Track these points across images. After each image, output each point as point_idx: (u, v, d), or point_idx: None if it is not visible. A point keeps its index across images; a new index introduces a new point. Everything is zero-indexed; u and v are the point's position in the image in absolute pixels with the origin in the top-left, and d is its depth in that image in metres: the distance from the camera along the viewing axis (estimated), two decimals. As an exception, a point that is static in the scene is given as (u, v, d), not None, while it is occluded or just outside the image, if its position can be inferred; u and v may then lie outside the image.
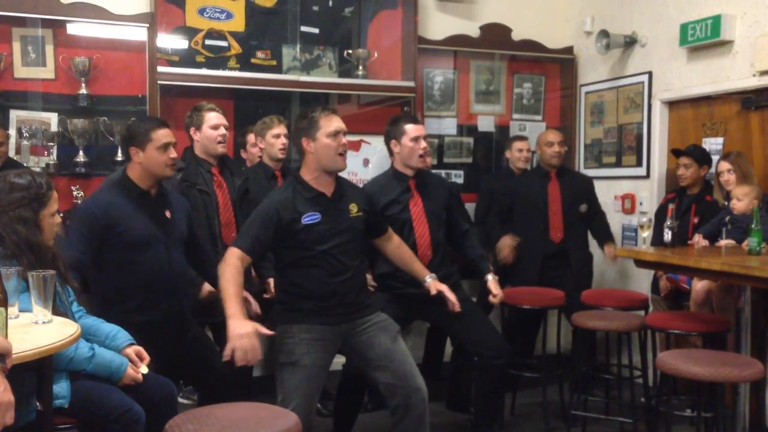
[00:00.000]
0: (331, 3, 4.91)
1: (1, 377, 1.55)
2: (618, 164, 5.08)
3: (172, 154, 2.92)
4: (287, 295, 2.82)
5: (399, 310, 3.18)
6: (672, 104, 4.69)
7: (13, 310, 2.04)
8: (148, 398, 2.50)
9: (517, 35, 5.25)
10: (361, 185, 3.41)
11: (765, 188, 3.87)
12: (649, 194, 4.79)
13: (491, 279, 3.47)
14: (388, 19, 5.08)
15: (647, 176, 4.82)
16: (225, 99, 4.62)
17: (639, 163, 4.88)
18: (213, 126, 3.44)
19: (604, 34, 4.84)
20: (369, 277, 3.24)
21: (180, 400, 3.25)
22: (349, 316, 2.82)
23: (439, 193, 3.48)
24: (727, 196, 3.77)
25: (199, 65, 4.48)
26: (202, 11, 4.55)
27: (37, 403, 2.15)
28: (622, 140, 5.04)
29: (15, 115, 4.21)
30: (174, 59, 4.47)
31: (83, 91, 4.25)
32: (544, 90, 5.51)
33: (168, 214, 2.97)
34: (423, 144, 3.37)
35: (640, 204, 4.86)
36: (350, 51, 4.88)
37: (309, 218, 2.75)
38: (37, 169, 3.92)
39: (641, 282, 4.63)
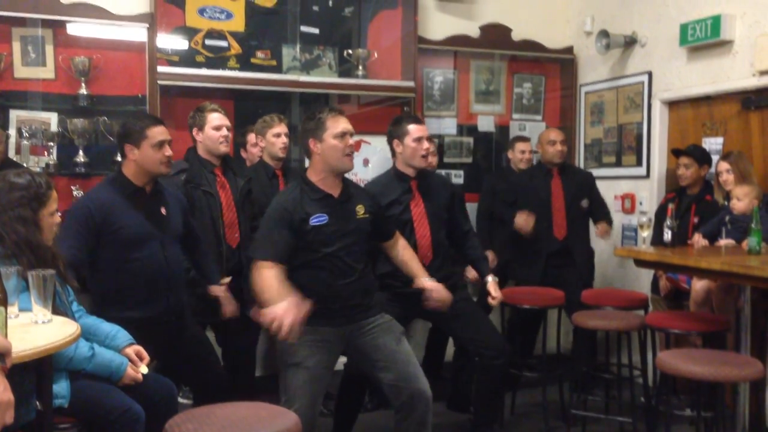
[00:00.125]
0: (331, 3, 4.91)
1: (0, 376, 1.55)
2: (618, 164, 5.08)
3: (167, 151, 2.92)
4: None
5: (399, 309, 3.18)
6: (672, 104, 4.69)
7: (12, 309, 2.04)
8: (148, 398, 2.50)
9: (517, 35, 5.25)
10: (362, 185, 3.41)
11: (765, 188, 3.87)
12: (649, 194, 4.79)
13: (491, 281, 3.48)
14: (388, 19, 5.08)
15: (647, 176, 4.82)
16: (225, 99, 4.62)
17: (639, 163, 4.88)
18: (215, 127, 3.45)
19: (604, 34, 4.84)
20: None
21: (180, 400, 3.25)
22: (353, 317, 2.81)
23: (440, 193, 3.48)
24: (727, 196, 3.78)
25: (199, 65, 4.48)
26: (202, 11, 4.55)
27: (37, 403, 2.15)
28: (622, 140, 5.04)
29: (15, 114, 4.21)
30: (174, 59, 4.47)
31: (83, 91, 4.25)
32: (544, 90, 5.51)
33: (163, 210, 2.98)
34: (425, 144, 3.37)
35: (640, 204, 4.86)
36: (350, 51, 4.88)
37: (317, 219, 2.74)
38: (37, 169, 3.92)
39: (641, 282, 4.63)
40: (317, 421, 2.79)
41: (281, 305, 2.51)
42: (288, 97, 4.91)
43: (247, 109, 4.78)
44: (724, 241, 3.56)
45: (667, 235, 3.61)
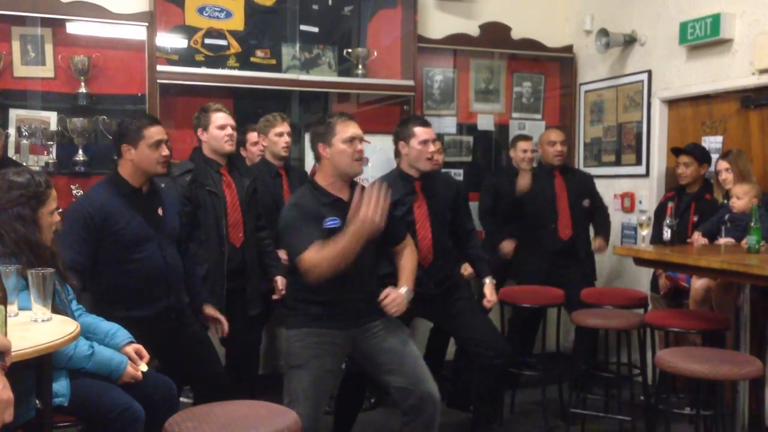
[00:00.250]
0: (330, 2, 4.90)
1: (0, 375, 1.55)
2: (617, 163, 5.08)
3: (164, 151, 2.92)
4: (298, 299, 2.79)
5: None
6: (671, 103, 4.70)
7: (12, 308, 2.05)
8: (148, 396, 2.50)
9: (516, 34, 5.25)
10: (365, 185, 3.41)
11: (764, 186, 3.88)
12: (649, 193, 4.79)
13: (488, 283, 3.50)
14: (387, 18, 5.08)
15: (647, 175, 4.82)
16: (224, 98, 4.62)
17: (638, 162, 4.89)
18: (220, 126, 3.45)
19: (603, 32, 4.84)
20: None
21: (181, 399, 3.25)
22: (360, 320, 2.80)
23: (445, 193, 3.48)
24: (727, 195, 3.78)
25: (198, 64, 4.48)
26: (201, 10, 4.55)
27: (37, 401, 2.15)
28: (622, 139, 5.04)
29: (14, 114, 4.21)
30: (173, 58, 4.47)
31: (82, 90, 4.25)
32: (543, 89, 5.51)
33: (160, 211, 2.98)
34: (431, 147, 3.36)
35: (640, 202, 4.86)
36: (350, 50, 4.88)
37: (331, 222, 2.72)
38: (37, 168, 3.92)
39: (640, 280, 4.64)
40: (320, 424, 2.76)
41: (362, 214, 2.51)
42: (287, 96, 4.91)
43: (247, 108, 4.77)
44: (723, 240, 3.56)
45: (667, 234, 3.61)
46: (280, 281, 3.61)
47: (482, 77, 5.36)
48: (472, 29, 5.16)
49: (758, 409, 3.41)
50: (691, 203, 4.08)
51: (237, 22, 4.64)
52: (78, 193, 4.16)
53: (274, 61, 4.72)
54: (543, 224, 4.42)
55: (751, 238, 3.15)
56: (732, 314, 3.40)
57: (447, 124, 5.23)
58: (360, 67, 4.82)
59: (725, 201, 3.79)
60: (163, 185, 3.12)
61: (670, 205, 3.87)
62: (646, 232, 3.78)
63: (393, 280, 3.23)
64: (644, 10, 4.81)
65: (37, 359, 1.94)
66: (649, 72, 4.76)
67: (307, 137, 4.65)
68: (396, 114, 4.91)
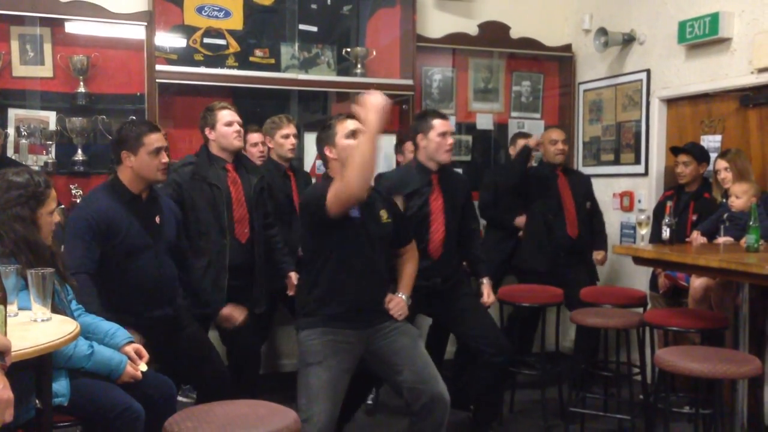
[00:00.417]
0: (329, 1, 4.91)
1: (0, 375, 1.56)
2: (616, 162, 5.08)
3: (164, 158, 2.91)
4: (313, 298, 2.77)
5: None
6: (670, 102, 4.70)
7: (12, 308, 2.04)
8: (148, 396, 2.50)
9: (515, 33, 5.25)
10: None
11: (763, 185, 3.88)
12: (648, 192, 4.79)
13: (485, 282, 3.52)
14: (386, 17, 5.08)
15: (646, 174, 4.83)
16: (224, 97, 4.60)
17: (637, 161, 4.89)
18: (227, 123, 3.46)
19: (602, 31, 4.84)
20: None
21: (179, 398, 3.25)
22: (372, 321, 2.80)
23: (459, 189, 3.52)
24: (725, 194, 3.78)
25: (197, 63, 4.48)
26: (200, 9, 4.55)
27: (37, 401, 2.15)
28: (621, 138, 5.04)
29: (13, 113, 4.21)
30: (172, 57, 4.47)
31: (82, 89, 4.25)
32: (542, 88, 5.52)
33: (158, 219, 2.97)
34: (450, 139, 3.39)
35: (639, 201, 4.87)
36: (349, 49, 4.88)
37: (353, 211, 2.71)
38: (36, 168, 3.92)
39: (640, 279, 4.64)
40: (334, 425, 2.71)
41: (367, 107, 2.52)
42: (287, 96, 4.91)
43: (246, 107, 4.74)
44: (722, 239, 3.56)
45: (666, 233, 3.62)
46: (294, 277, 3.62)
47: (481, 76, 5.36)
48: (471, 28, 5.16)
49: (757, 408, 3.42)
50: (690, 202, 4.09)
51: (236, 22, 4.64)
52: (77, 192, 4.16)
53: (273, 61, 4.73)
54: (549, 222, 4.42)
55: (750, 237, 3.15)
56: (731, 313, 3.41)
57: (446, 123, 5.23)
58: (359, 66, 4.83)
59: (724, 200, 3.79)
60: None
61: (669, 204, 3.87)
62: (645, 231, 3.78)
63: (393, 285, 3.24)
64: (643, 9, 4.82)
65: (37, 359, 1.94)
66: (648, 71, 4.76)
67: (306, 137, 4.67)
68: (395, 113, 4.92)
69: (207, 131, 3.48)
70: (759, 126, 4.11)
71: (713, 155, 4.12)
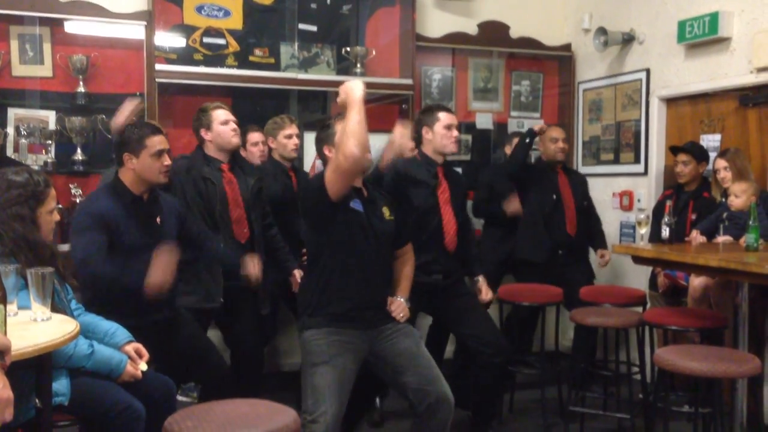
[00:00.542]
0: (329, 1, 4.91)
1: (0, 374, 1.56)
2: (616, 161, 5.09)
3: (166, 161, 2.91)
4: (317, 297, 2.75)
5: None
6: (670, 101, 4.70)
7: (12, 307, 2.04)
8: (148, 395, 2.50)
9: (515, 33, 5.25)
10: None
11: (762, 185, 3.88)
12: (647, 191, 4.80)
13: (482, 280, 3.53)
14: (386, 17, 5.08)
15: (645, 173, 4.83)
16: (223, 97, 4.61)
17: (637, 160, 4.89)
18: (223, 122, 3.45)
19: (602, 31, 4.85)
20: None
21: (179, 398, 3.25)
22: (376, 321, 2.79)
23: (460, 184, 3.59)
24: (725, 193, 3.78)
25: (197, 63, 4.48)
26: (199, 9, 4.55)
27: (37, 401, 2.15)
28: (620, 137, 5.05)
29: (13, 113, 4.21)
30: (172, 57, 4.47)
31: (81, 89, 4.25)
32: (542, 87, 5.52)
33: (158, 220, 2.96)
34: (455, 133, 3.43)
35: (638, 201, 4.87)
36: (348, 49, 4.88)
37: (356, 204, 2.72)
38: (36, 167, 3.91)
39: (639, 278, 4.64)
40: (339, 425, 2.69)
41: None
42: (286, 95, 4.91)
43: (245, 107, 4.77)
44: (721, 238, 3.57)
45: (665, 232, 3.62)
46: (298, 274, 3.63)
47: (481, 76, 5.36)
48: (471, 28, 5.16)
49: (756, 407, 3.42)
50: (690, 201, 4.09)
51: (235, 21, 4.64)
52: (77, 192, 4.17)
53: (272, 60, 4.73)
54: (549, 219, 4.42)
55: (749, 236, 3.16)
56: (730, 312, 3.41)
57: (446, 122, 5.23)
58: (358, 65, 4.83)
59: (723, 199, 3.79)
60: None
61: (669, 203, 3.88)
62: (644, 231, 3.78)
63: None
64: (643, 9, 4.82)
65: (37, 358, 1.94)
66: (648, 70, 4.77)
67: (306, 136, 4.67)
68: (395, 113, 4.92)
69: (202, 132, 3.47)
70: (758, 125, 4.12)
71: (713, 154, 4.12)
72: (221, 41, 4.58)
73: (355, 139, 2.50)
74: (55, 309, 2.21)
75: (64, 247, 3.72)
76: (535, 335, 4.69)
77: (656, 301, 4.21)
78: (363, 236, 2.73)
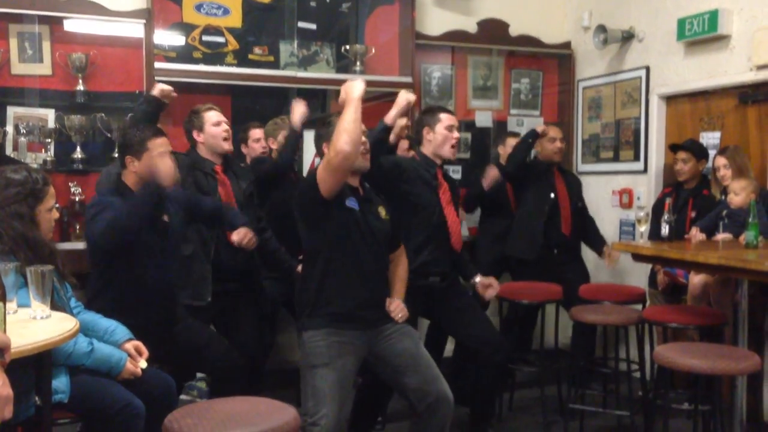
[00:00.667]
0: (328, -1, 4.91)
1: (0, 371, 1.56)
2: (616, 159, 5.09)
3: (169, 162, 2.91)
4: (315, 299, 2.74)
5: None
6: (669, 99, 4.70)
7: (11, 305, 2.05)
8: (148, 393, 2.50)
9: (514, 30, 5.25)
10: None
11: (762, 182, 3.88)
12: (647, 189, 4.80)
13: (479, 279, 3.49)
14: (385, 15, 5.07)
15: (645, 171, 4.83)
16: (222, 95, 4.62)
17: (636, 158, 4.89)
18: (215, 123, 3.45)
19: (601, 29, 4.84)
20: None
21: (180, 396, 3.25)
22: (376, 322, 2.79)
23: (456, 188, 3.59)
24: (724, 191, 3.79)
25: (196, 61, 4.47)
26: (198, 7, 4.55)
27: (36, 398, 2.16)
28: (620, 135, 5.05)
29: (12, 111, 4.20)
30: (171, 55, 4.46)
31: (80, 87, 4.24)
32: (541, 85, 5.51)
33: (166, 218, 2.96)
34: (456, 134, 3.43)
35: (638, 198, 4.87)
36: (348, 47, 4.87)
37: (351, 202, 2.72)
38: (35, 166, 3.91)
39: (639, 276, 4.64)
40: (343, 427, 2.67)
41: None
42: (285, 93, 4.90)
43: (245, 105, 4.78)
44: (721, 236, 3.57)
45: (665, 230, 3.62)
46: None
47: (480, 74, 5.36)
48: (470, 26, 5.16)
49: (756, 404, 3.43)
50: (689, 199, 4.09)
51: (235, 19, 4.64)
52: (76, 190, 4.17)
53: (272, 58, 4.72)
54: (545, 218, 4.42)
55: (749, 233, 3.16)
56: (730, 310, 3.41)
57: (445, 120, 5.23)
58: (358, 63, 4.82)
59: (723, 197, 3.80)
60: None
61: (668, 201, 3.88)
62: (644, 228, 3.78)
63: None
64: (642, 6, 4.82)
65: (37, 356, 1.94)
66: (647, 68, 4.77)
67: (305, 134, 4.66)
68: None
69: (195, 134, 3.46)
70: (758, 123, 4.11)
71: (712, 152, 4.12)
72: (220, 39, 4.58)
73: (348, 136, 2.51)
74: (54, 307, 2.20)
75: (64, 246, 3.74)
76: (535, 333, 4.69)
77: (656, 299, 4.22)
78: (359, 235, 2.73)
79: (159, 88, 3.38)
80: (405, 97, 3.18)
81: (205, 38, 4.54)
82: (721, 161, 3.81)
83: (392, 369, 2.79)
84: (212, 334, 3.14)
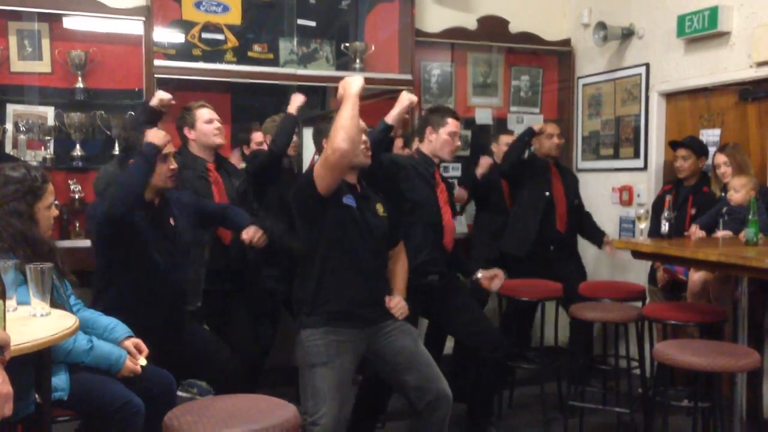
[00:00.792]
0: (327, -4, 4.90)
1: (-1, 369, 1.56)
2: (615, 156, 5.08)
3: (173, 164, 2.91)
4: (314, 297, 2.73)
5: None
6: (669, 96, 4.69)
7: (11, 302, 2.05)
8: (147, 390, 2.50)
9: (514, 27, 5.24)
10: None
11: (762, 179, 3.88)
12: (647, 186, 4.80)
13: (482, 274, 3.49)
14: (385, 12, 5.07)
15: (645, 168, 4.83)
16: (222, 92, 4.61)
17: (636, 155, 4.89)
18: (207, 120, 3.45)
19: (601, 26, 4.84)
20: None
21: (179, 393, 3.25)
22: (374, 319, 2.78)
23: (451, 188, 3.58)
24: (724, 188, 3.78)
25: (195, 59, 4.47)
26: (198, 4, 4.54)
27: (36, 396, 2.16)
28: (620, 132, 5.04)
29: (12, 109, 4.20)
30: (170, 53, 4.46)
31: (80, 84, 4.24)
32: (541, 82, 5.51)
33: (172, 221, 2.96)
34: (458, 142, 3.44)
35: (638, 196, 4.87)
36: (347, 44, 4.87)
37: (348, 199, 2.71)
38: (35, 164, 3.91)
39: (638, 273, 4.64)
40: (343, 426, 2.67)
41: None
42: (285, 91, 4.88)
43: (244, 102, 4.77)
44: (721, 233, 3.57)
45: (665, 227, 3.62)
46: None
47: (480, 71, 5.36)
48: (470, 23, 5.15)
49: (756, 401, 3.43)
50: (689, 196, 4.09)
51: (234, 17, 4.63)
52: (76, 188, 4.17)
53: (271, 56, 4.71)
54: (540, 215, 4.42)
55: (749, 230, 3.15)
56: (730, 307, 3.41)
57: (445, 118, 5.22)
58: (358, 61, 4.82)
59: (723, 194, 3.79)
60: None
61: (668, 198, 3.87)
62: (644, 226, 3.78)
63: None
64: (642, 3, 4.81)
65: (36, 354, 1.94)
66: (647, 65, 4.76)
67: (305, 132, 4.66)
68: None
69: (186, 131, 3.46)
70: (758, 120, 4.11)
71: (712, 149, 4.12)
72: (220, 37, 4.57)
73: (345, 133, 2.50)
74: (54, 304, 2.21)
75: (63, 243, 3.74)
76: (535, 331, 4.69)
77: (655, 296, 4.22)
78: (357, 232, 2.72)
79: (158, 98, 3.38)
80: (407, 97, 3.18)
81: (204, 35, 4.53)
82: (722, 158, 3.81)
83: (391, 367, 2.79)
84: (218, 342, 3.12)
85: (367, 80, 4.88)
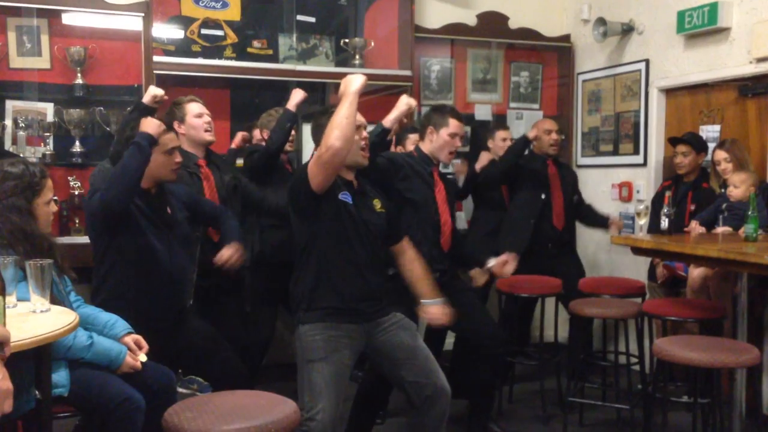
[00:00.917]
0: (327, -8, 4.90)
1: (-1, 365, 1.56)
2: (615, 152, 5.08)
3: (177, 158, 2.91)
4: (311, 293, 2.71)
5: (403, 308, 3.15)
6: (669, 92, 4.69)
7: (11, 299, 2.04)
8: (147, 386, 2.50)
9: (514, 23, 5.24)
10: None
11: (762, 175, 3.88)
12: (646, 182, 4.79)
13: (494, 261, 3.41)
14: (384, 8, 5.06)
15: (644, 164, 4.83)
16: (221, 88, 4.62)
17: (636, 151, 4.89)
18: (196, 115, 3.45)
19: (601, 21, 4.83)
20: None
21: (178, 389, 3.25)
22: (373, 314, 2.77)
23: (451, 185, 3.57)
24: (724, 184, 3.78)
25: (195, 55, 4.47)
26: (197, 0, 4.53)
27: (36, 392, 2.16)
28: (620, 128, 5.04)
29: (11, 105, 4.20)
30: (170, 49, 4.46)
31: (79, 80, 4.24)
32: (541, 78, 5.51)
33: (169, 210, 2.96)
34: (458, 143, 3.41)
35: (637, 192, 4.87)
36: (347, 40, 4.86)
37: (344, 195, 2.70)
38: (34, 160, 3.91)
39: (638, 269, 4.64)
40: (339, 421, 2.66)
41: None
42: (284, 87, 4.87)
43: (244, 98, 4.77)
44: (721, 229, 3.57)
45: (664, 223, 3.62)
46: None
47: (480, 67, 5.35)
48: (470, 19, 5.15)
49: (755, 397, 3.43)
50: (689, 192, 4.09)
51: (233, 13, 4.63)
52: (76, 184, 4.17)
53: (270, 52, 4.71)
54: (538, 212, 4.41)
55: (748, 226, 3.16)
56: (729, 303, 3.42)
57: (444, 114, 5.22)
58: (357, 57, 4.81)
59: (722, 190, 3.79)
60: None
61: (668, 194, 3.88)
62: (643, 222, 3.78)
63: (400, 281, 3.17)
64: (642, -1, 4.81)
65: (36, 350, 1.94)
66: (647, 61, 4.76)
67: (304, 128, 4.66)
68: (393, 105, 4.88)
69: (176, 125, 3.43)
70: (758, 116, 4.11)
71: (712, 145, 4.11)
72: (219, 33, 4.56)
73: (340, 131, 2.49)
74: (53, 300, 2.20)
75: (63, 240, 3.74)
76: (535, 327, 4.70)
77: (655, 292, 4.22)
78: (353, 228, 2.71)
79: (151, 95, 3.38)
80: (406, 102, 3.14)
81: (203, 31, 4.53)
82: (721, 154, 3.81)
83: (390, 362, 2.79)
84: (220, 342, 3.10)
85: (367, 76, 4.93)
